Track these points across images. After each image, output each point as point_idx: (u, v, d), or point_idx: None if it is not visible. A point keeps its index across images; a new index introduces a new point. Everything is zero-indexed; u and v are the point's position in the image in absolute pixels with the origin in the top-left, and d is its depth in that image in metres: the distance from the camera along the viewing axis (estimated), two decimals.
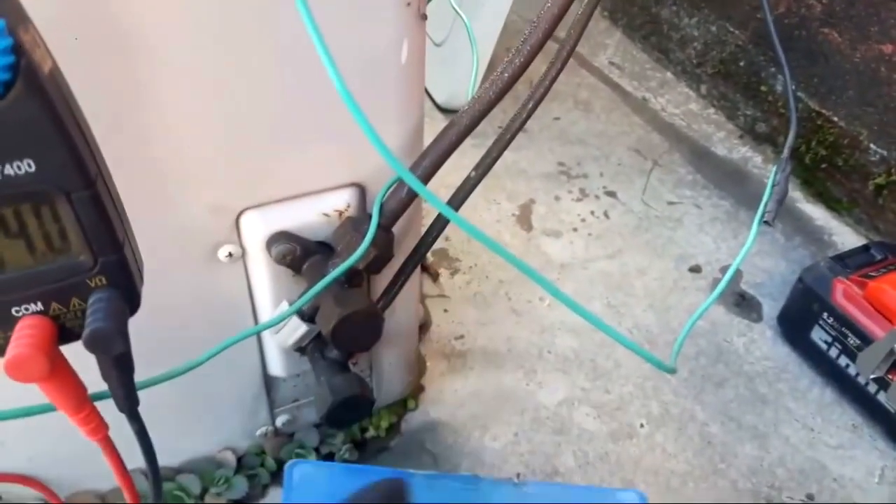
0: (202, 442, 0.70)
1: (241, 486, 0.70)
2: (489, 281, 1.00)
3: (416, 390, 0.84)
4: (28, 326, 0.34)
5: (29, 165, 0.31)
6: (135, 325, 0.35)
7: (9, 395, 0.39)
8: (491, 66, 1.19)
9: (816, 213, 1.15)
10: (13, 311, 0.34)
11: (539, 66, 0.55)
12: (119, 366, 0.35)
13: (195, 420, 0.66)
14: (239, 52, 0.46)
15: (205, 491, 0.69)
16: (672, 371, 0.50)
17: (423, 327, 0.91)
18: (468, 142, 0.55)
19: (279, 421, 0.72)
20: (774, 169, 0.77)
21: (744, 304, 1.00)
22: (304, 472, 0.60)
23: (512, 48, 0.52)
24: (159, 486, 0.43)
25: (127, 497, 0.41)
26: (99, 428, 0.37)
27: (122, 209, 0.35)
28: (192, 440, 0.69)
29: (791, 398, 0.89)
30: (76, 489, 0.65)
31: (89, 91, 0.33)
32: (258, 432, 0.72)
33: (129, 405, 0.37)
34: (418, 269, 0.66)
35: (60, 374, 0.35)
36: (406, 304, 0.70)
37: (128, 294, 0.35)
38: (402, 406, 0.82)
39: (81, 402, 0.36)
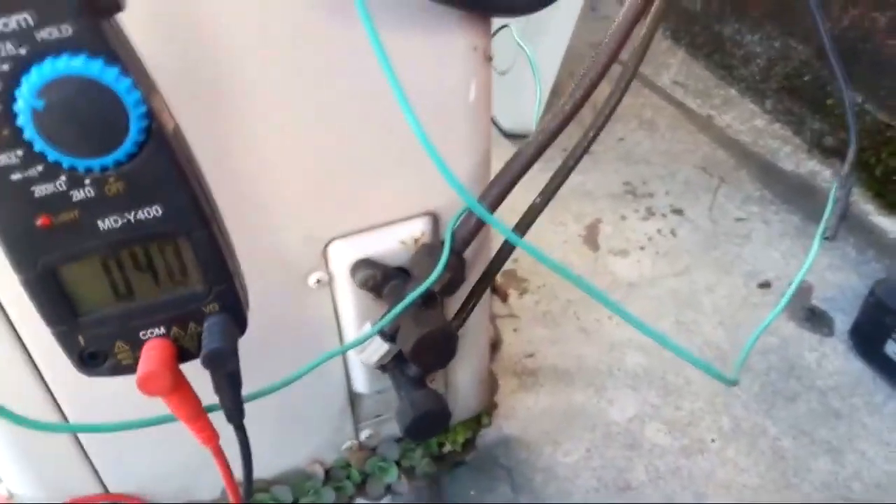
0: (293, 455, 0.74)
1: (328, 496, 0.75)
2: (557, 300, 1.03)
3: (490, 407, 0.88)
4: (153, 347, 0.39)
5: (157, 210, 0.36)
6: None
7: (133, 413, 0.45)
8: (554, 92, 1.23)
9: (890, 225, 1.14)
10: (140, 334, 0.39)
11: (603, 88, 0.58)
12: (231, 381, 0.40)
13: (288, 435, 0.71)
14: (328, 101, 0.51)
15: (296, 501, 0.74)
16: (733, 383, 0.52)
17: (494, 346, 0.95)
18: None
19: (363, 435, 0.77)
20: (835, 185, 0.78)
21: (814, 319, 1.00)
22: None
23: (574, 72, 0.55)
24: (251, 484, 0.48)
25: (231, 498, 0.46)
26: (212, 437, 0.42)
27: (231, 244, 0.41)
28: (284, 454, 0.74)
29: (866, 413, 0.89)
30: (181, 500, 0.70)
31: (198, 140, 0.38)
32: (344, 446, 0.77)
33: (238, 416, 0.42)
34: (488, 290, 0.70)
35: (181, 389, 0.40)
36: (478, 323, 0.74)
37: (237, 318, 0.40)
38: (476, 422, 0.85)
39: (198, 413, 0.41)
